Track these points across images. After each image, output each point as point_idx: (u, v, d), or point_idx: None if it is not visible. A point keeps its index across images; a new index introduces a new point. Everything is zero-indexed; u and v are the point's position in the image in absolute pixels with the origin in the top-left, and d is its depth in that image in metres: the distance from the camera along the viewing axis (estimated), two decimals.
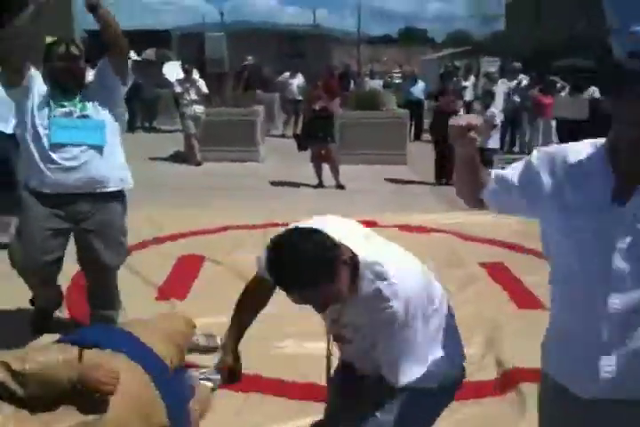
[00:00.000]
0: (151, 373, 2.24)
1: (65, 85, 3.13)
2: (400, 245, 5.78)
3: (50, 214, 3.13)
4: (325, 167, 8.05)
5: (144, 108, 14.86)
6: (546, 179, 1.55)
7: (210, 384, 2.92)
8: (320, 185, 8.06)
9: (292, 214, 6.22)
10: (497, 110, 8.33)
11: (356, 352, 2.05)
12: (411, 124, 12.61)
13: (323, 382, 3.02)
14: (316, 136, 7.81)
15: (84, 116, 3.13)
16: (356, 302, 1.82)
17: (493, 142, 8.15)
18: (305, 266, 1.66)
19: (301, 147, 8.13)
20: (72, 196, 3.12)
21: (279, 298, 4.03)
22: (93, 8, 2.98)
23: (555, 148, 1.63)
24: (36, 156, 3.07)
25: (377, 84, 14.71)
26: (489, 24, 35.45)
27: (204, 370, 3.04)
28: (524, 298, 4.14)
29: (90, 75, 3.38)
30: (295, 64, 15.41)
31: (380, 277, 1.78)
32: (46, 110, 3.08)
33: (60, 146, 3.06)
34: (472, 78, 14.15)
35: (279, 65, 16.31)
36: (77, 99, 3.15)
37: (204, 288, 4.33)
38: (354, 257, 1.78)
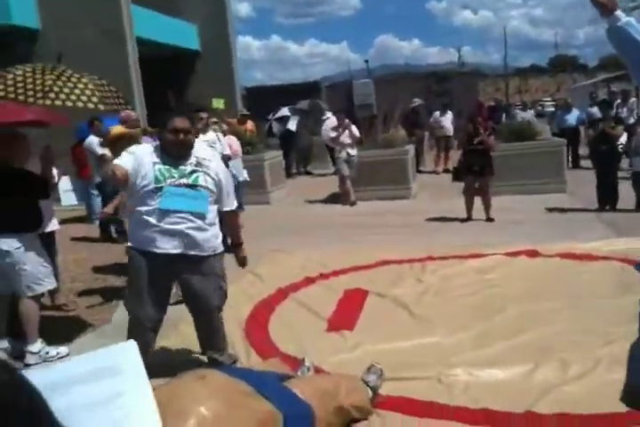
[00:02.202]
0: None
1: (174, 156, 3.39)
2: (566, 274, 5.65)
3: (153, 269, 3.37)
4: (477, 201, 8.02)
5: (300, 155, 15.67)
6: None
7: (369, 389, 3.08)
8: (469, 219, 8.02)
9: (446, 248, 6.32)
10: None
11: None
12: (567, 152, 12.21)
13: (496, 407, 3.07)
14: (471, 169, 7.85)
15: (192, 186, 3.36)
16: None
17: None
18: None
19: (456, 178, 8.20)
20: (171, 255, 3.35)
21: (442, 329, 4.13)
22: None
23: None
24: (144, 218, 3.32)
25: (529, 114, 14.41)
26: None
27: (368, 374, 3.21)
28: None
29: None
30: (443, 102, 15.52)
31: None
32: (157, 178, 3.31)
33: (166, 212, 3.30)
34: (632, 101, 13.47)
35: (428, 104, 16.49)
36: (188, 169, 3.38)
37: (371, 320, 4.49)
38: None
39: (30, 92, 4.20)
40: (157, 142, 3.53)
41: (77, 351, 4.18)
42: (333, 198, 10.78)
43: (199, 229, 3.38)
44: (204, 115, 6.89)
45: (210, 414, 2.25)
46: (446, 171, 12.90)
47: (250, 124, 12.74)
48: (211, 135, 7.05)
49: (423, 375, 3.44)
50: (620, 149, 8.06)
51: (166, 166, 3.35)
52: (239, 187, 9.19)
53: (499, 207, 8.09)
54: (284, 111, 15.18)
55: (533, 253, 5.86)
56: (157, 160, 3.36)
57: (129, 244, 3.49)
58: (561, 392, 3.22)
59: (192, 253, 3.39)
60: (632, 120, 10.90)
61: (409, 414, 3.03)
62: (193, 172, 3.39)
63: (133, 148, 3.49)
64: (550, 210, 8.27)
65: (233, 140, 8.77)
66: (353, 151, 10.11)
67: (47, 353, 4.17)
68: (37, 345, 4.17)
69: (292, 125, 14.83)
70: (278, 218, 9.38)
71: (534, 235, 6.80)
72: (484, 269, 5.54)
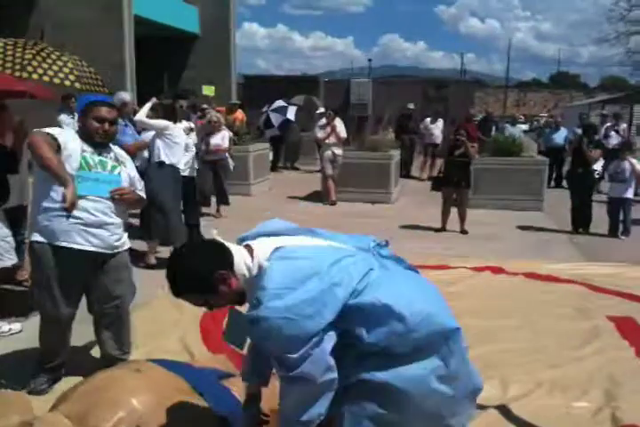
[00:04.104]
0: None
1: (96, 145, 3.22)
2: (526, 293, 5.70)
3: (65, 265, 3.14)
4: (453, 211, 8.07)
5: (288, 150, 15.66)
6: None
7: None
8: (443, 229, 8.08)
9: (414, 256, 6.33)
10: (636, 161, 8.02)
11: None
12: (552, 171, 12.31)
13: None
14: (450, 180, 7.89)
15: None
16: None
17: (630, 192, 8.01)
18: (179, 277, 1.98)
19: (434, 188, 8.24)
20: (87, 252, 3.15)
21: None
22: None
23: None
24: (57, 207, 3.07)
25: (518, 130, 14.46)
26: None
27: None
28: None
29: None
30: (437, 108, 15.57)
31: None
32: (82, 165, 3.13)
33: (83, 201, 3.08)
34: (623, 127, 13.59)
35: (423, 109, 16.55)
36: (109, 162, 3.25)
37: None
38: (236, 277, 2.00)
39: (9, 64, 4.25)
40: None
41: (30, 328, 4.18)
42: (315, 196, 10.81)
43: (115, 224, 3.24)
44: (183, 103, 6.76)
45: (141, 407, 2.27)
46: (430, 178, 12.96)
47: (240, 114, 12.70)
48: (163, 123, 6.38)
49: None
50: (597, 175, 8.13)
51: (92, 156, 3.20)
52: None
53: (474, 220, 8.16)
54: (280, 102, 15.08)
55: (498, 270, 5.92)
56: (83, 147, 3.19)
57: (35, 237, 3.16)
58: (497, 411, 3.27)
59: (108, 251, 3.23)
60: (615, 144, 10.98)
61: None
62: (114, 167, 3.27)
63: (57, 129, 3.30)
64: (524, 227, 8.35)
65: (226, 136, 8.75)
66: (338, 151, 10.13)
67: None
68: None
69: (291, 115, 14.68)
70: (257, 211, 9.37)
71: (504, 250, 6.87)
72: (447, 282, 5.57)
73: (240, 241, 2.16)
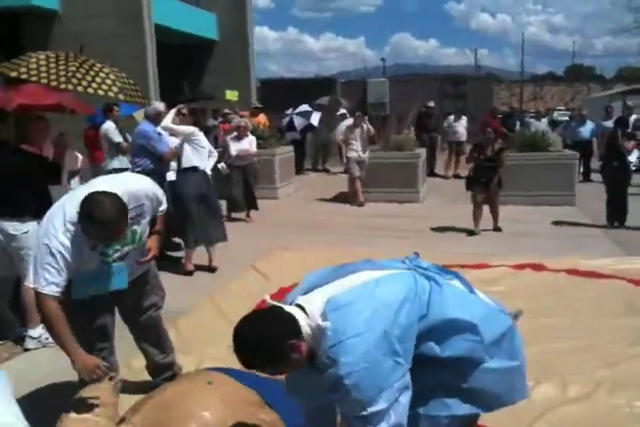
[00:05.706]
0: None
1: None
2: (570, 291, 5.59)
3: (95, 305, 2.96)
4: (485, 209, 7.91)
5: (318, 152, 15.63)
6: None
7: None
8: (474, 232, 7.82)
9: (452, 256, 6.27)
10: None
11: None
12: (579, 165, 12.15)
13: (491, 424, 3.05)
14: (479, 182, 7.75)
15: (137, 248, 2.98)
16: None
17: None
18: (250, 354, 1.91)
19: (469, 188, 8.07)
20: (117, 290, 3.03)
21: None
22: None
23: None
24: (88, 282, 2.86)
25: (544, 124, 14.30)
26: None
27: None
28: None
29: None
30: (457, 105, 15.46)
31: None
32: (102, 260, 2.84)
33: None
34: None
35: (440, 106, 16.46)
36: (128, 234, 2.86)
37: None
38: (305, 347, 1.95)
39: (53, 77, 4.28)
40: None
41: None
42: (341, 197, 10.76)
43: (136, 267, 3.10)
44: (184, 110, 6.48)
45: (214, 422, 2.24)
46: (456, 176, 12.87)
47: (262, 118, 12.70)
48: (190, 129, 6.36)
49: None
50: (633, 167, 7.98)
51: (105, 245, 2.81)
52: None
53: (507, 217, 8.06)
54: (305, 107, 14.98)
55: (539, 267, 5.84)
56: (91, 242, 2.70)
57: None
58: (560, 413, 3.21)
59: (136, 277, 3.14)
60: None
61: None
62: (134, 233, 2.92)
63: (56, 243, 2.59)
64: (558, 223, 8.24)
65: (253, 140, 8.79)
66: (365, 152, 10.08)
67: (47, 339, 4.13)
68: (38, 330, 4.17)
69: (315, 120, 14.61)
70: (285, 214, 9.38)
71: (540, 247, 6.78)
72: (488, 281, 5.49)
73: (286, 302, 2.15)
